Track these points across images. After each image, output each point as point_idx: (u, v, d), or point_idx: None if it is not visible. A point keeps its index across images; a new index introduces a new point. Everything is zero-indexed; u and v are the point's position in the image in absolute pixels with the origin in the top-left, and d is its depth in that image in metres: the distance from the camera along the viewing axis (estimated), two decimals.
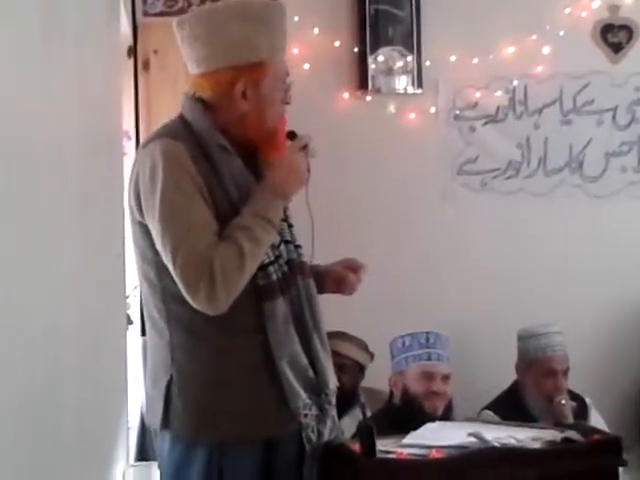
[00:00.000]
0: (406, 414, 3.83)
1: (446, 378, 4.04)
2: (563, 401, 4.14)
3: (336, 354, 4.15)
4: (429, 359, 4.04)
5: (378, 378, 4.24)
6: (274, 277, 2.43)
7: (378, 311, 4.68)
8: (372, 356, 4.34)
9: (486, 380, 4.54)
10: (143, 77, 4.16)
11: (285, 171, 2.45)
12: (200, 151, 2.39)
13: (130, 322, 3.22)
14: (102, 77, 2.03)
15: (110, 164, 2.07)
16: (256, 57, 2.45)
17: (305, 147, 2.48)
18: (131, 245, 2.48)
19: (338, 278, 2.66)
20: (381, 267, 4.79)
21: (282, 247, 2.49)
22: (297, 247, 2.55)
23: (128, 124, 3.86)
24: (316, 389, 2.48)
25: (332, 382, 2.54)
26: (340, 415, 3.57)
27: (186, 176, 2.33)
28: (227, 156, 2.44)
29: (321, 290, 2.64)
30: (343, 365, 4.14)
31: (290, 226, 2.56)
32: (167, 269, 2.34)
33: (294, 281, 2.49)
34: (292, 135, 2.53)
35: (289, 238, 2.53)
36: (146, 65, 4.16)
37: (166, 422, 2.41)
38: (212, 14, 2.48)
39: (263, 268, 2.41)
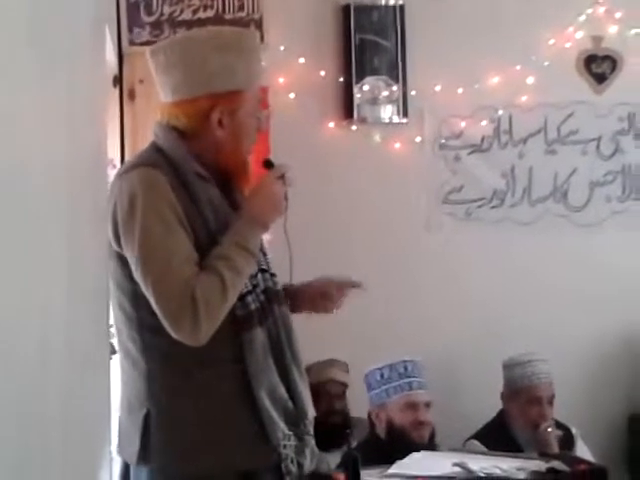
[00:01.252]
0: (393, 445, 3.82)
1: (428, 405, 4.04)
2: (549, 429, 4.13)
3: (334, 382, 4.19)
4: (411, 389, 4.04)
5: (358, 405, 4.23)
6: (252, 307, 2.41)
7: (362, 339, 4.66)
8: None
9: (471, 409, 4.53)
10: (128, 106, 4.16)
11: (263, 200, 2.44)
12: (178, 180, 2.38)
13: (114, 352, 3.20)
14: (88, 106, 2.03)
15: (95, 192, 2.07)
16: (234, 85, 2.45)
17: (282, 176, 2.47)
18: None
19: (319, 293, 2.65)
20: (365, 294, 4.79)
21: (259, 276, 2.48)
22: (272, 275, 2.53)
23: (113, 153, 3.86)
24: (294, 419, 2.45)
25: (310, 412, 2.52)
26: (340, 444, 3.57)
27: (166, 206, 2.32)
28: (204, 184, 2.43)
29: (295, 309, 2.62)
30: (342, 392, 4.16)
31: (265, 254, 2.55)
32: (144, 299, 2.32)
33: (271, 310, 2.47)
34: (269, 164, 2.53)
35: (265, 267, 2.52)
36: (131, 94, 4.17)
37: (144, 456, 2.37)
38: (188, 42, 2.49)
39: (241, 298, 2.39)
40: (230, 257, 2.33)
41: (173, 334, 2.28)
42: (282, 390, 2.43)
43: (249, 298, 2.41)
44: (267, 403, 2.38)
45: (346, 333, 4.66)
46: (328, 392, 4.17)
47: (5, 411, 1.15)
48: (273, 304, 2.48)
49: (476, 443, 4.19)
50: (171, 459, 2.37)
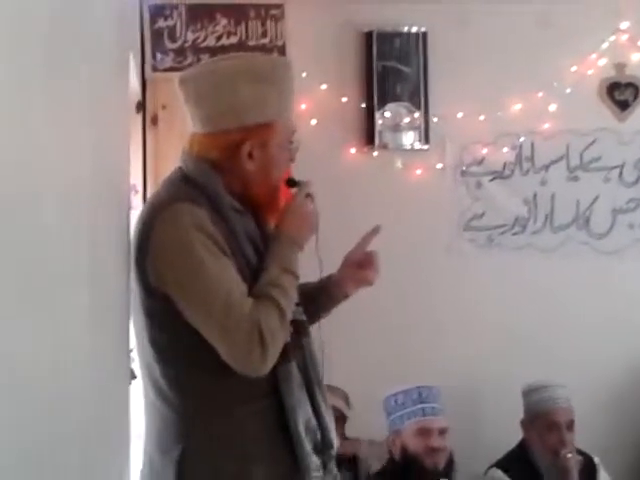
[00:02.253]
0: (407, 472, 3.80)
1: (443, 432, 4.01)
2: (569, 455, 4.09)
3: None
4: (424, 415, 4.02)
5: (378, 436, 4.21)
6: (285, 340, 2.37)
7: (383, 364, 4.66)
8: (350, 408, 4.31)
9: (491, 436, 4.51)
10: (151, 132, 4.18)
11: (297, 220, 2.42)
12: (217, 214, 2.33)
13: (134, 377, 3.20)
14: (111, 131, 2.04)
15: (118, 218, 2.07)
16: (265, 118, 2.39)
17: (309, 194, 2.46)
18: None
19: (356, 265, 2.66)
20: (387, 321, 4.79)
21: None
22: (297, 305, 2.47)
23: (135, 178, 3.88)
24: (321, 449, 2.44)
25: (335, 441, 2.50)
26: None
27: (212, 242, 2.26)
28: (240, 217, 2.39)
29: (341, 295, 2.64)
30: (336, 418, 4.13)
31: None
32: (188, 336, 2.27)
33: (299, 342, 2.44)
34: (292, 182, 2.50)
35: None
36: (154, 120, 4.19)
37: None
38: (219, 72, 2.41)
39: None
40: (280, 283, 2.31)
41: (240, 368, 2.24)
42: (314, 421, 2.42)
43: None
44: (302, 436, 2.36)
45: (365, 358, 4.66)
46: None
47: (20, 438, 1.15)
48: (301, 335, 2.45)
49: (498, 471, 4.17)
50: None
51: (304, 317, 2.51)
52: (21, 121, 1.18)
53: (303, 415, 2.38)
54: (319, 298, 2.67)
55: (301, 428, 2.36)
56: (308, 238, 2.45)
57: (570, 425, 4.24)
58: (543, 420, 4.26)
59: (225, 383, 2.29)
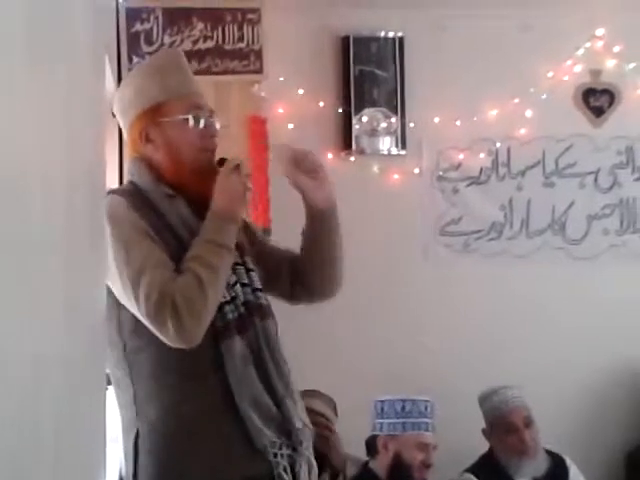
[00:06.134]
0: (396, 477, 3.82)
1: (435, 448, 4.03)
2: None
3: (312, 412, 4.11)
4: (427, 430, 4.03)
5: (351, 441, 4.18)
6: (230, 316, 2.43)
7: (357, 370, 4.65)
8: (337, 416, 4.29)
9: (468, 442, 4.50)
10: None
11: (223, 195, 2.44)
12: (145, 203, 2.46)
13: (109, 382, 3.18)
14: (86, 135, 2.03)
15: (93, 220, 2.07)
16: (150, 102, 2.53)
17: (237, 167, 2.47)
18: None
19: (297, 169, 2.64)
20: (362, 326, 4.78)
21: (238, 288, 2.49)
22: (256, 290, 2.54)
23: (112, 181, 3.86)
24: (284, 429, 2.44)
25: (298, 421, 2.48)
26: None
27: (128, 225, 2.38)
28: (170, 201, 2.48)
29: (319, 207, 2.68)
30: (320, 423, 4.10)
31: (249, 270, 2.56)
32: (126, 323, 2.38)
33: (251, 322, 2.48)
34: (221, 161, 2.52)
35: (246, 281, 2.53)
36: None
37: (135, 475, 2.39)
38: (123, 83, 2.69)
39: (220, 309, 2.40)
40: (201, 255, 2.36)
41: (164, 339, 2.30)
42: (267, 399, 2.43)
43: (227, 308, 2.43)
44: (250, 411, 2.39)
45: (339, 362, 4.65)
46: None
47: None
48: (254, 317, 2.49)
49: (470, 477, 4.17)
50: (161, 476, 2.38)
51: (262, 301, 2.55)
52: (2, 118, 1.18)
53: (249, 390, 2.40)
54: (308, 229, 2.70)
55: (246, 403, 2.39)
56: (235, 210, 2.46)
57: (528, 423, 4.23)
58: (500, 424, 4.27)
59: (167, 362, 2.37)
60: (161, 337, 2.31)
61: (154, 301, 2.28)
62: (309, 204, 2.67)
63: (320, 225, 2.69)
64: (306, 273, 2.71)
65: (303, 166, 2.64)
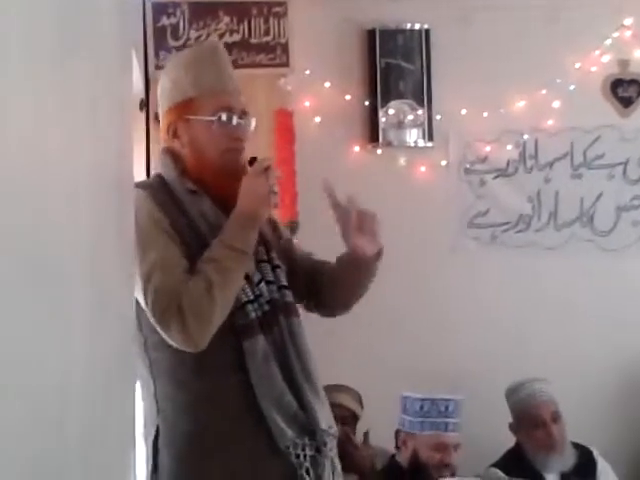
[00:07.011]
0: (412, 478, 3.82)
1: (457, 448, 4.00)
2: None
3: (339, 407, 4.12)
4: (446, 430, 4.00)
5: (379, 434, 4.18)
6: (252, 315, 2.39)
7: (386, 363, 4.65)
8: (362, 408, 4.29)
9: (497, 434, 4.49)
10: (155, 130, 4.17)
11: (249, 197, 2.38)
12: (169, 198, 2.44)
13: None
14: (114, 129, 2.03)
15: (120, 214, 2.07)
16: (182, 96, 2.52)
17: (267, 169, 2.40)
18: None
19: (357, 230, 2.56)
20: (391, 319, 4.78)
21: (262, 286, 2.45)
22: (282, 288, 2.50)
23: (139, 176, 3.87)
24: (307, 429, 2.39)
25: (324, 422, 2.43)
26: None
27: (148, 221, 2.36)
28: (196, 198, 2.46)
29: (361, 264, 2.59)
30: (348, 418, 4.11)
31: (276, 267, 2.52)
32: (145, 319, 2.34)
33: (276, 320, 2.44)
34: (252, 161, 2.46)
35: (271, 278, 2.49)
36: (158, 118, 4.18)
37: (155, 472, 2.38)
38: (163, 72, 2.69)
39: (241, 307, 2.38)
40: (217, 258, 2.32)
41: (169, 341, 2.30)
42: (290, 398, 2.38)
43: (249, 307, 2.39)
44: (272, 411, 2.35)
45: (367, 356, 4.65)
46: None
47: (23, 441, 1.14)
48: (279, 315, 2.45)
49: (496, 471, 4.15)
50: (178, 476, 2.36)
51: (288, 299, 2.50)
52: (31, 116, 1.18)
53: (272, 390, 2.36)
54: (347, 264, 2.62)
55: (268, 402, 2.35)
56: (259, 213, 2.39)
57: (555, 417, 4.21)
58: (527, 418, 4.24)
59: (183, 358, 2.33)
60: (167, 339, 2.30)
61: (160, 303, 2.28)
62: (354, 253, 2.58)
63: (359, 267, 2.63)
64: (323, 291, 2.67)
65: (364, 228, 2.58)
